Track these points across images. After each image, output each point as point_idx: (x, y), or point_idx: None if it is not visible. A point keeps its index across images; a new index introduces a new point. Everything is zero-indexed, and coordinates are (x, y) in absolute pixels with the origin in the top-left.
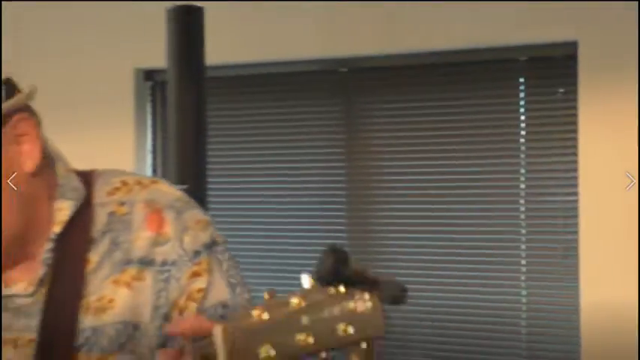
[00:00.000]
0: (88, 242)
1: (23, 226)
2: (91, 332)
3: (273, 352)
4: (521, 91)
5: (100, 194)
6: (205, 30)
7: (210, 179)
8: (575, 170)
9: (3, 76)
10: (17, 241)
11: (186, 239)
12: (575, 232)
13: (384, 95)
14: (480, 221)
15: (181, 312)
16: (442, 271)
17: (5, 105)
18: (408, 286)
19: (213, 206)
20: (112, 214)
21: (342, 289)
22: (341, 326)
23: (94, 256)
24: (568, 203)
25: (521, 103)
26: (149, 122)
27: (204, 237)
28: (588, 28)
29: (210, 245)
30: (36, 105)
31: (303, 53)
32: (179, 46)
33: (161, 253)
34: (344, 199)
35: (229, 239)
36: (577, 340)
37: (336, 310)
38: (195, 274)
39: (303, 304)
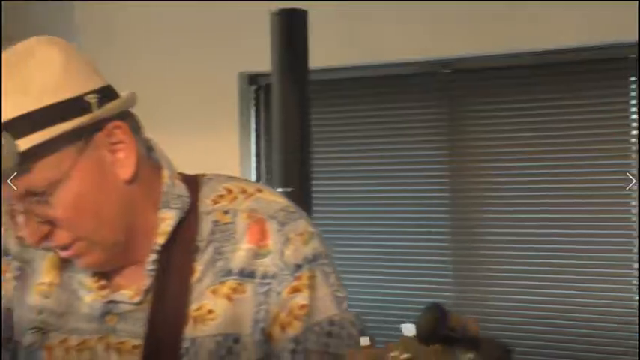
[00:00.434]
0: (193, 251)
1: (124, 233)
2: (189, 343)
3: None
4: (632, 90)
5: (205, 202)
6: (309, 33)
7: (314, 182)
8: None
9: (104, 83)
10: (120, 247)
11: (287, 252)
12: None
13: (488, 96)
14: (589, 223)
15: (283, 328)
16: (548, 274)
17: (101, 111)
18: (516, 289)
19: (317, 209)
20: (216, 222)
21: (442, 347)
22: None
23: (198, 265)
24: None
25: (632, 102)
26: (253, 126)
27: (306, 250)
28: None
29: (313, 259)
30: (141, 110)
31: (406, 55)
32: (283, 50)
33: (262, 265)
34: (447, 202)
35: (332, 242)
36: None
37: None
38: (295, 289)
39: (404, 357)
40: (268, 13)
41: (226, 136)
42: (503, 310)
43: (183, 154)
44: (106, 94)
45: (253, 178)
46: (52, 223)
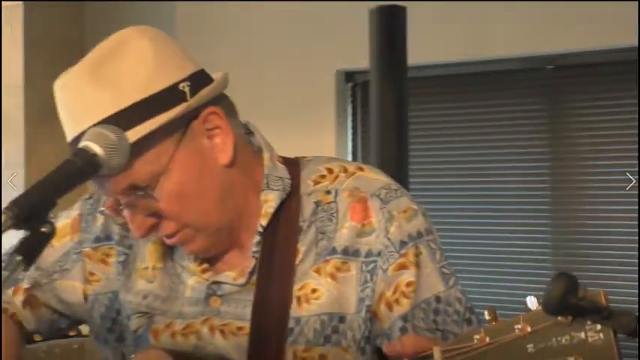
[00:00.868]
0: (296, 232)
1: (228, 217)
2: (294, 323)
3: None
4: None
5: (306, 183)
6: (407, 29)
7: (411, 180)
8: None
9: (195, 68)
10: (224, 232)
11: (392, 229)
12: None
13: (591, 93)
14: None
15: (390, 306)
16: None
17: (195, 100)
18: (619, 286)
19: None
20: (318, 202)
21: (570, 318)
22: (570, 358)
23: (301, 246)
24: None
25: None
26: (349, 124)
27: (411, 227)
28: None
29: (418, 236)
30: (238, 107)
31: (507, 51)
32: (381, 47)
33: (366, 243)
34: (548, 200)
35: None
36: None
37: (564, 340)
38: (402, 266)
39: (529, 330)
40: (367, 9)
41: (323, 135)
42: None
43: (279, 152)
44: (199, 79)
45: None
46: (157, 215)
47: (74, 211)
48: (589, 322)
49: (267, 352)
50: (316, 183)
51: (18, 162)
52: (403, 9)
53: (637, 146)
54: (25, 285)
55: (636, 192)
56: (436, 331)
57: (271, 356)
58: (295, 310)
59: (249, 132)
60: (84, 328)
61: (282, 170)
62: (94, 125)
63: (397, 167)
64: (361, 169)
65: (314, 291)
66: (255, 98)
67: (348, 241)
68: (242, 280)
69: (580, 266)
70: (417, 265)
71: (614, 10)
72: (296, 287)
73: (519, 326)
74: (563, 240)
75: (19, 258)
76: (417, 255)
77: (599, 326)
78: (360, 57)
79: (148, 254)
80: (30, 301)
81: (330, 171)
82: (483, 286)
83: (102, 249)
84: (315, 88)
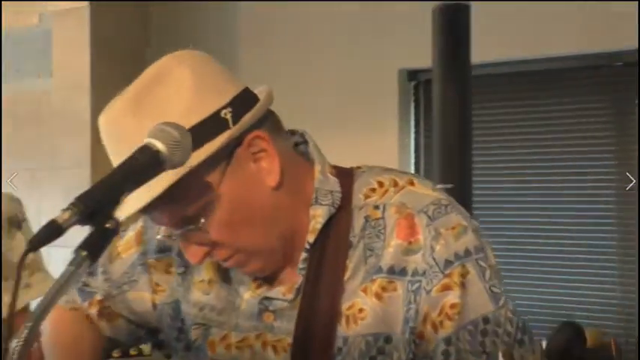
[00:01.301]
0: (346, 248)
1: (279, 239)
2: (342, 342)
3: None
4: None
5: (358, 196)
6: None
7: (474, 179)
8: None
9: (237, 90)
10: (278, 252)
11: (438, 247)
12: None
13: None
14: None
15: (435, 328)
16: None
17: (237, 127)
18: None
19: (477, 206)
20: (367, 217)
21: None
22: None
23: (350, 263)
24: None
25: None
26: (412, 122)
27: (458, 245)
28: None
29: (465, 254)
30: (301, 106)
31: (569, 49)
32: (445, 45)
33: (413, 262)
34: (614, 199)
35: (492, 239)
36: None
37: None
38: (446, 287)
39: None
40: (430, 8)
41: (385, 133)
42: None
43: (342, 151)
44: (241, 102)
45: None
46: (209, 243)
47: (138, 223)
48: None
49: None
50: (367, 197)
51: (84, 161)
52: (467, 7)
53: None
54: (98, 297)
55: None
56: (483, 354)
57: None
58: (343, 329)
59: (298, 142)
60: (146, 348)
61: (333, 183)
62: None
63: (460, 166)
64: (412, 183)
65: (361, 310)
66: (317, 98)
67: (393, 260)
68: (290, 296)
69: None
70: (463, 285)
71: None
72: (344, 306)
73: None
74: (628, 239)
75: (84, 253)
76: (464, 275)
77: None
78: (423, 55)
79: (204, 267)
80: (104, 313)
81: (381, 184)
82: (544, 286)
83: (164, 260)
84: (378, 86)
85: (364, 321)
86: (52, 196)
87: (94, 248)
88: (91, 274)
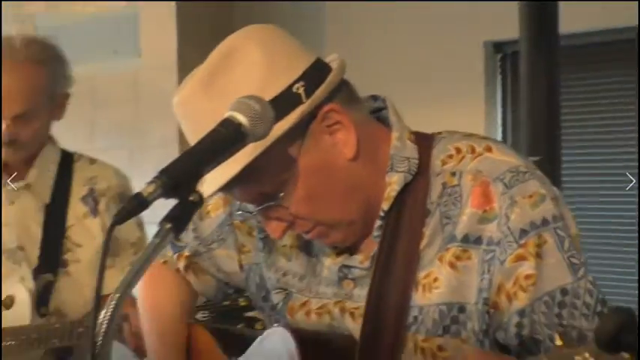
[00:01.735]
0: (422, 215)
1: (359, 210)
2: (417, 311)
3: None
4: None
5: (436, 162)
6: None
7: (564, 151)
8: None
9: (309, 63)
10: (357, 222)
11: (513, 216)
12: None
13: None
14: None
15: (510, 299)
16: None
17: (311, 101)
18: None
19: (566, 179)
20: (444, 184)
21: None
22: None
23: (427, 230)
24: None
25: None
26: (499, 95)
27: (535, 214)
28: None
29: (542, 223)
30: (387, 79)
31: None
32: (531, 15)
33: (488, 230)
34: None
35: (580, 213)
36: None
37: None
38: (520, 258)
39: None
40: None
41: (472, 106)
42: None
43: (428, 125)
44: (313, 74)
45: None
46: (289, 217)
47: None
48: None
49: (384, 338)
50: (444, 163)
51: (172, 141)
52: None
53: None
54: (187, 252)
55: None
56: (558, 326)
57: (388, 342)
58: (418, 298)
59: (384, 107)
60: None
61: (411, 150)
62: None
63: (548, 140)
64: (489, 149)
65: (435, 279)
66: (403, 72)
67: (468, 229)
68: (367, 264)
69: None
70: (539, 255)
71: None
72: (420, 274)
73: (580, 357)
74: None
75: (168, 226)
76: (540, 245)
77: None
78: (510, 27)
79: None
80: (192, 268)
81: (458, 151)
82: (635, 263)
83: (248, 223)
84: (463, 59)
85: (438, 290)
86: (142, 177)
87: (178, 221)
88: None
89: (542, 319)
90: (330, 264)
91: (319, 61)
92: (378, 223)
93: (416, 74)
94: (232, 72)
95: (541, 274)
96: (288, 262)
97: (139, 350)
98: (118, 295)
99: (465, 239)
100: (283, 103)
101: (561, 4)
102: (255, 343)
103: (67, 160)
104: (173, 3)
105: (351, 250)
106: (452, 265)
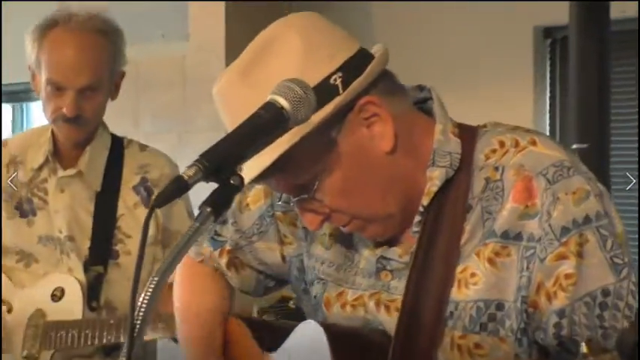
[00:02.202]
0: (463, 211)
1: (396, 203)
2: (454, 307)
3: None
4: None
5: (479, 156)
6: None
7: (613, 139)
8: None
9: (350, 53)
10: (395, 216)
11: (555, 213)
12: None
13: None
14: None
15: (549, 299)
16: None
17: (347, 93)
18: None
19: (615, 167)
20: (487, 179)
21: None
22: None
23: (468, 226)
24: None
25: None
26: (548, 81)
27: (578, 211)
28: None
29: (585, 221)
30: (439, 64)
31: None
32: (583, 1)
33: (529, 227)
34: None
35: (630, 202)
36: None
37: None
38: (561, 256)
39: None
40: None
41: (520, 92)
42: None
43: (476, 112)
44: (352, 66)
45: (546, 133)
46: (326, 210)
47: None
48: None
49: (420, 333)
50: (487, 157)
51: (219, 126)
52: None
53: None
54: (228, 247)
55: None
56: (599, 328)
57: (425, 337)
58: (455, 294)
59: (429, 98)
60: None
61: (454, 144)
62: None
63: (597, 126)
64: (534, 143)
65: (473, 275)
66: (452, 57)
67: (508, 224)
68: (406, 258)
69: None
70: (580, 254)
71: None
72: (458, 269)
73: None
74: None
75: (208, 210)
76: (581, 244)
77: None
78: (559, 11)
79: None
80: (234, 263)
81: (502, 144)
82: None
83: (290, 213)
84: (513, 44)
85: (476, 286)
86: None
87: (218, 204)
88: (223, 222)
89: (582, 320)
90: (368, 255)
91: (362, 51)
92: (418, 218)
93: (465, 60)
94: (271, 61)
95: (582, 273)
96: (326, 250)
97: None
98: (157, 279)
99: (505, 235)
100: (320, 93)
101: None
102: (289, 338)
103: (117, 146)
104: None
105: (391, 241)
106: (490, 262)
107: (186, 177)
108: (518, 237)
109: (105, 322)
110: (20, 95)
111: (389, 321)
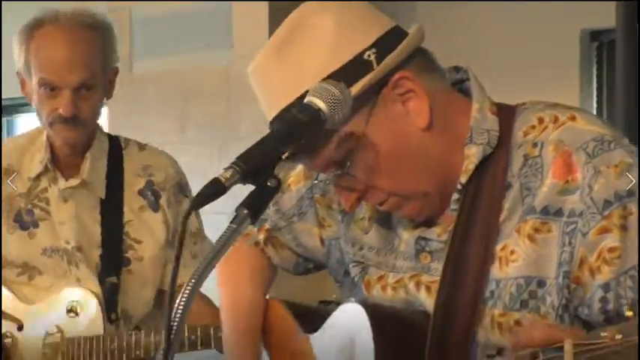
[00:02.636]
0: (502, 188)
1: (433, 180)
2: (494, 285)
3: None
4: None
5: (518, 134)
6: None
7: None
8: None
9: (383, 31)
10: (432, 194)
11: (596, 187)
12: None
13: None
14: None
15: (592, 274)
16: None
17: (380, 68)
18: None
19: None
20: (526, 156)
21: None
22: None
23: (506, 203)
24: None
25: None
26: (594, 85)
27: (620, 184)
28: None
29: (628, 194)
30: (482, 69)
31: None
32: (629, 4)
33: (570, 202)
34: None
35: None
36: None
37: None
38: (604, 230)
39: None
40: None
41: (566, 95)
42: None
43: None
44: (387, 42)
45: None
46: (362, 187)
47: None
48: None
49: (459, 312)
50: (526, 134)
51: (262, 134)
52: None
53: None
54: (267, 226)
55: None
56: None
57: (464, 317)
58: (496, 272)
59: (466, 79)
60: None
61: (492, 122)
62: (299, 98)
63: None
64: (573, 118)
65: (512, 252)
66: (498, 60)
67: (547, 200)
68: (445, 237)
69: None
70: (623, 227)
71: None
72: (498, 247)
73: (606, 334)
74: None
75: (245, 211)
76: (625, 216)
77: None
78: (607, 14)
79: (364, 204)
80: (271, 242)
81: (541, 121)
82: None
83: (328, 196)
84: (559, 48)
85: (515, 263)
86: None
87: (255, 206)
88: None
89: (629, 294)
90: (407, 237)
91: (396, 29)
92: (456, 196)
93: (512, 63)
94: (303, 38)
95: (626, 246)
96: (365, 235)
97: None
98: (193, 282)
99: (545, 211)
100: (353, 69)
101: None
102: (330, 318)
103: (115, 147)
104: None
105: (428, 222)
106: (530, 238)
107: (223, 179)
108: (558, 212)
109: (132, 336)
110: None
111: (430, 302)
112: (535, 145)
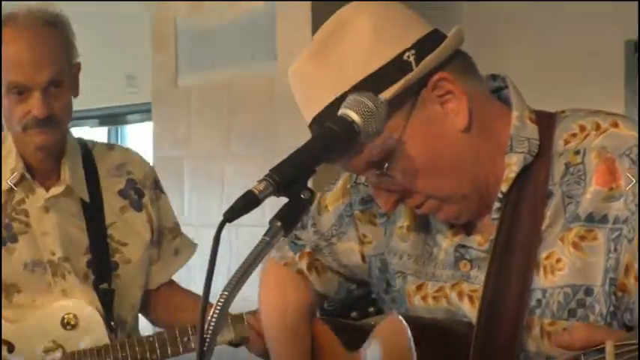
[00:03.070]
0: (544, 197)
1: (471, 184)
2: (541, 294)
3: None
4: None
5: (558, 142)
6: None
7: None
8: None
9: (422, 33)
10: (471, 197)
11: None
12: None
13: None
14: None
15: (638, 280)
16: None
17: (419, 69)
18: None
19: None
20: (567, 164)
21: None
22: None
23: (548, 211)
24: None
25: None
26: (638, 96)
27: None
28: None
29: None
30: (526, 79)
31: None
32: None
33: (614, 209)
34: None
35: None
36: None
37: None
38: None
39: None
40: None
41: (610, 106)
42: None
43: None
44: (426, 44)
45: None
46: (399, 189)
47: (343, 174)
48: None
49: (503, 322)
50: (567, 142)
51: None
52: None
53: None
54: (308, 249)
55: None
56: None
57: (508, 327)
58: (541, 281)
59: (504, 87)
60: None
61: (532, 130)
62: (328, 106)
63: None
64: (616, 124)
65: (558, 261)
66: (541, 70)
67: (592, 207)
68: (486, 246)
69: None
70: None
71: None
72: (542, 255)
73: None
74: None
75: (278, 224)
76: None
77: None
78: None
79: (403, 213)
80: (314, 266)
81: (582, 128)
82: None
83: (368, 211)
84: (603, 58)
85: (562, 272)
86: None
87: (288, 219)
88: (303, 227)
89: None
90: (446, 245)
91: (435, 32)
92: (497, 205)
93: (555, 73)
94: (342, 41)
95: None
96: (403, 243)
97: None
98: (226, 294)
99: (590, 218)
100: (392, 70)
101: None
102: (372, 332)
103: (85, 150)
104: (309, 3)
105: (469, 229)
106: (576, 246)
107: (256, 191)
108: (603, 219)
109: (141, 341)
110: None
111: (473, 311)
112: (577, 152)
